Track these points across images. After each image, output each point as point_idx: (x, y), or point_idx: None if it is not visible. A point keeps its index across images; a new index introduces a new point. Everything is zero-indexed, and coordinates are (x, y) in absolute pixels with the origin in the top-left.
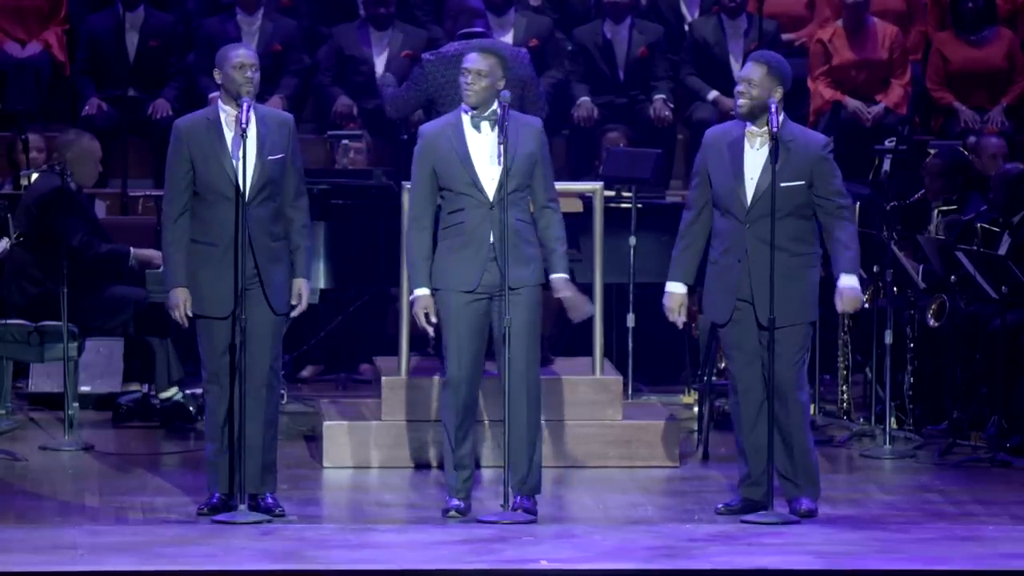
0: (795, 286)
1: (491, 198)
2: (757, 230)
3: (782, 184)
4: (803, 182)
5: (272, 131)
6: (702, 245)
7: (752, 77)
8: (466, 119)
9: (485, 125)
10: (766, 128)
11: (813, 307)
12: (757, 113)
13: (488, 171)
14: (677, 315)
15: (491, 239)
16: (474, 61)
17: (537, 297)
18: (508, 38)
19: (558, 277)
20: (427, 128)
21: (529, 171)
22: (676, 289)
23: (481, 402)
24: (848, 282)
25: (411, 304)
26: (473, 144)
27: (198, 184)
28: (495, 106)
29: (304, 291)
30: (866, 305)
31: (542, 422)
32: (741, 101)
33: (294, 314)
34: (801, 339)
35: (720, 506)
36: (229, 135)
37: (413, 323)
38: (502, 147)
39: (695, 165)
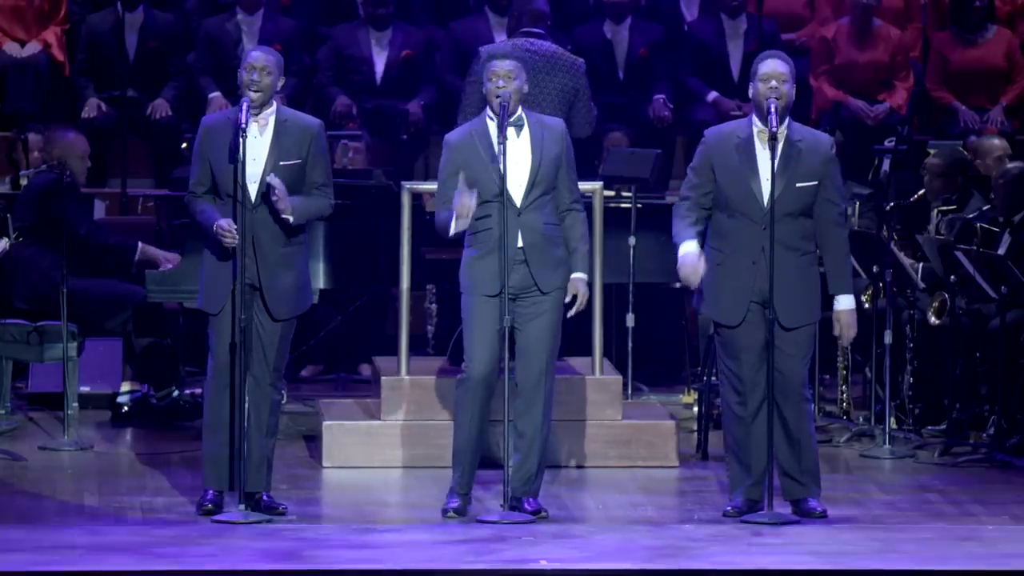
0: (808, 286)
1: (518, 203)
2: (775, 232)
3: (798, 185)
4: (815, 182)
5: (290, 136)
6: (702, 216)
7: (785, 74)
8: (491, 124)
9: (511, 131)
10: (780, 129)
11: (819, 305)
12: (787, 111)
13: (516, 175)
14: (696, 276)
15: (519, 243)
16: (499, 65)
17: (562, 300)
18: (503, 39)
19: (577, 277)
20: (452, 137)
21: (555, 174)
22: (692, 248)
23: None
24: (849, 304)
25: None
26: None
27: (215, 183)
28: (520, 111)
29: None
30: (866, 306)
31: None
32: (777, 96)
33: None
34: (811, 339)
35: (729, 508)
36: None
37: (413, 323)
38: (502, 146)
39: (697, 160)
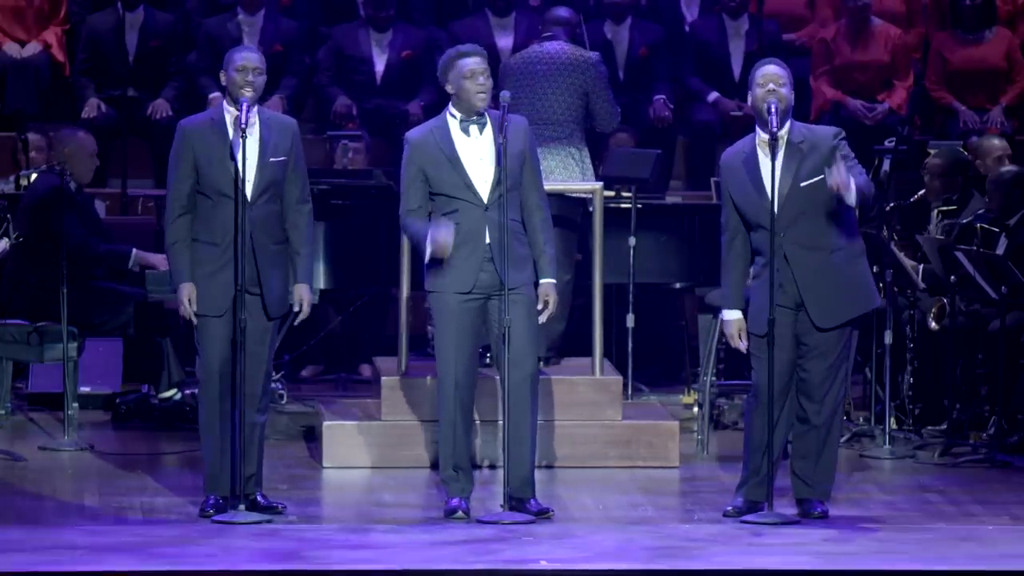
0: (841, 283)
1: (485, 199)
2: (791, 235)
3: (802, 184)
4: (821, 176)
5: (275, 133)
6: (747, 264)
7: (782, 77)
8: (453, 123)
9: (474, 128)
10: (781, 132)
11: (862, 300)
12: (787, 115)
13: (480, 172)
14: (739, 340)
15: (487, 240)
16: (481, 63)
17: (533, 296)
18: (508, 39)
19: (547, 282)
20: (413, 134)
21: (520, 170)
22: (732, 316)
23: (477, 402)
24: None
25: (431, 242)
26: (462, 146)
27: (202, 184)
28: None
29: (306, 296)
30: None
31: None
32: (776, 99)
33: (296, 322)
34: (841, 342)
35: (729, 507)
36: (233, 136)
37: (413, 323)
38: (502, 148)
39: (722, 193)
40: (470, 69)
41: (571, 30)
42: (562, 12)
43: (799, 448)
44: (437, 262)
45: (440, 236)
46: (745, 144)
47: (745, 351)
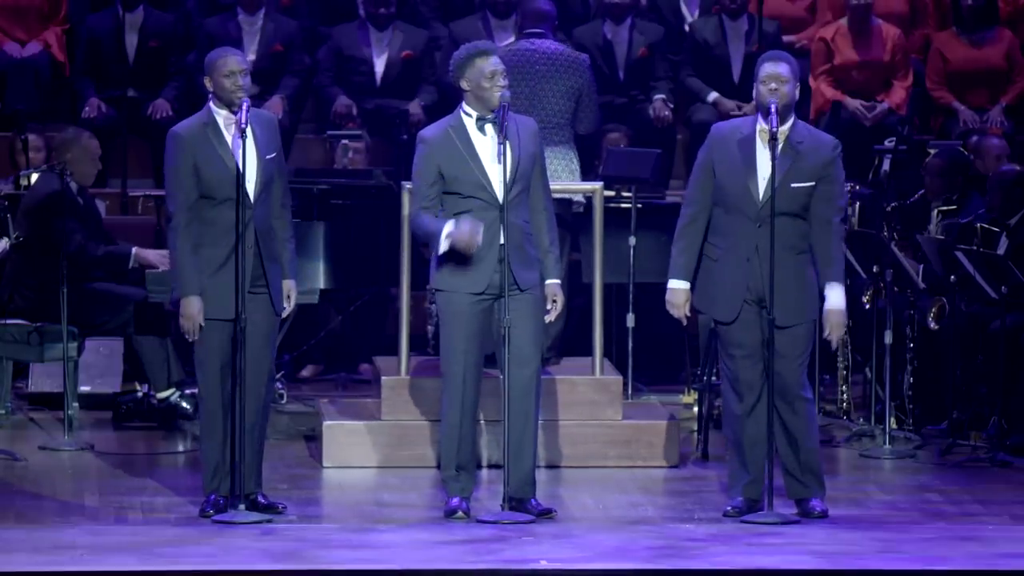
0: (802, 284)
1: (500, 200)
2: (767, 229)
3: (792, 185)
4: (812, 183)
5: (264, 130)
6: (701, 242)
7: (784, 75)
8: (469, 121)
9: (489, 127)
10: (782, 128)
11: (815, 304)
12: (789, 111)
13: (496, 172)
14: (682, 311)
15: (501, 240)
16: (500, 63)
17: (542, 297)
18: (509, 41)
19: (553, 283)
20: (429, 132)
21: (531, 171)
22: (679, 285)
23: (482, 402)
24: (838, 303)
25: (451, 236)
26: (480, 145)
27: (202, 188)
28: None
29: (293, 292)
30: (867, 306)
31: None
32: (777, 98)
33: (284, 315)
34: (807, 339)
35: (729, 508)
36: (229, 138)
37: (413, 323)
38: (503, 147)
39: (698, 160)
40: (491, 70)
41: (552, 25)
42: (543, 5)
43: (784, 447)
44: (451, 258)
45: (467, 228)
46: (744, 125)
47: (685, 323)
